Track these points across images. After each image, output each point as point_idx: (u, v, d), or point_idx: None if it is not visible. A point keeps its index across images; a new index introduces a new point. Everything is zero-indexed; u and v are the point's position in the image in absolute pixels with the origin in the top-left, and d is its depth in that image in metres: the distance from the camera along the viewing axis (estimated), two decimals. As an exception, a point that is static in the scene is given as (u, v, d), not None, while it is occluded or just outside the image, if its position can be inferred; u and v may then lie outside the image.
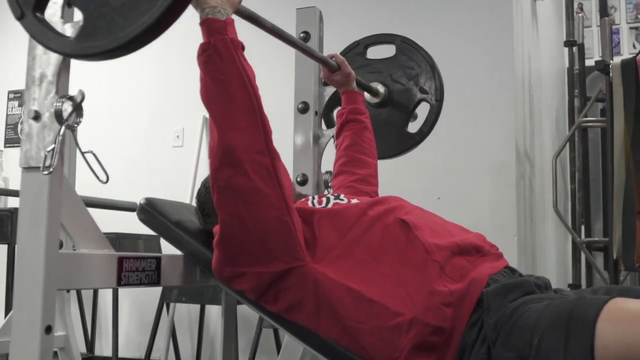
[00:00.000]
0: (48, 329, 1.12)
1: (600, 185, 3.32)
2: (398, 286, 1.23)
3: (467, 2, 3.26)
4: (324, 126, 2.07)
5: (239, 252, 1.29)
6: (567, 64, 3.57)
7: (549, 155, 3.40)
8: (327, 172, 1.95)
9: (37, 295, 1.11)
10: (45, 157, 1.12)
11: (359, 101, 1.91)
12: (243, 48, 1.26)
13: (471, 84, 3.15)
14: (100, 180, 1.17)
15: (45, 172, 1.11)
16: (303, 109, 1.98)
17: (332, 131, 1.95)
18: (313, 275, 1.26)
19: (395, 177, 2.80)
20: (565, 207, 3.56)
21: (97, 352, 3.79)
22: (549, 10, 3.73)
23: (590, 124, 3.23)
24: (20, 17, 1.01)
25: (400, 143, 2.11)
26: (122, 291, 3.57)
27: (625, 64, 2.74)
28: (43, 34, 1.01)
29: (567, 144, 3.32)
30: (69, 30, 1.07)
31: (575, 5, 3.70)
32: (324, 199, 1.48)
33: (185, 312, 3.64)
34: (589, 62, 3.37)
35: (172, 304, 3.37)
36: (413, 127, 2.13)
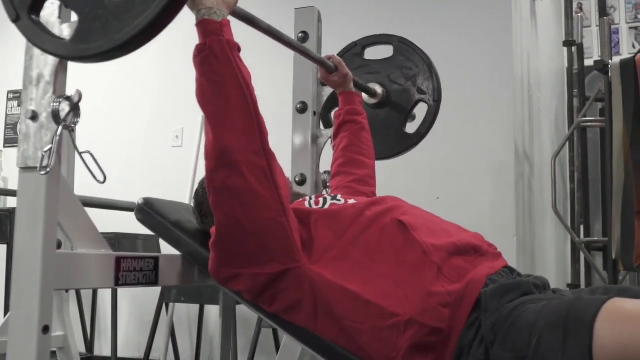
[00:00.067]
0: (45, 329, 1.12)
1: (599, 185, 3.32)
2: (395, 287, 1.23)
3: (467, 2, 3.26)
4: (322, 126, 2.07)
5: (235, 253, 1.29)
6: (566, 64, 3.57)
7: (548, 155, 3.40)
8: (325, 172, 1.95)
9: (34, 295, 1.11)
10: (43, 157, 1.12)
11: (356, 102, 1.91)
12: (239, 49, 1.26)
13: (470, 84, 3.16)
14: (98, 181, 1.17)
15: (43, 172, 1.11)
16: (301, 109, 1.98)
17: (331, 131, 1.95)
18: (310, 276, 1.26)
19: (395, 177, 2.80)
20: (565, 207, 3.57)
21: (97, 352, 3.80)
22: (548, 10, 3.73)
23: (589, 123, 3.23)
24: (15, 20, 1.01)
25: (398, 144, 2.11)
26: (121, 291, 3.57)
27: (624, 63, 2.74)
28: (38, 36, 1.01)
29: (567, 144, 3.33)
30: (65, 31, 1.07)
31: (575, 5, 3.70)
32: (321, 200, 1.48)
33: (184, 312, 3.64)
34: (589, 62, 3.37)
35: (171, 304, 3.38)
36: (411, 127, 2.13)
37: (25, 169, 1.15)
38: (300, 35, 2.00)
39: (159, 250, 3.23)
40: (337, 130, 1.89)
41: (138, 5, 0.89)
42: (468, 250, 1.30)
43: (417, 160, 2.53)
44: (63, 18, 1.11)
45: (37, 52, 1.15)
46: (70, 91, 1.16)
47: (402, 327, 1.19)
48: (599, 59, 2.91)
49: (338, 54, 2.09)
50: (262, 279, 1.28)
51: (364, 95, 2.08)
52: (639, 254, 2.65)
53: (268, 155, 1.25)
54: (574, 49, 3.45)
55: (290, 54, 1.92)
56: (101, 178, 1.17)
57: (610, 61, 2.81)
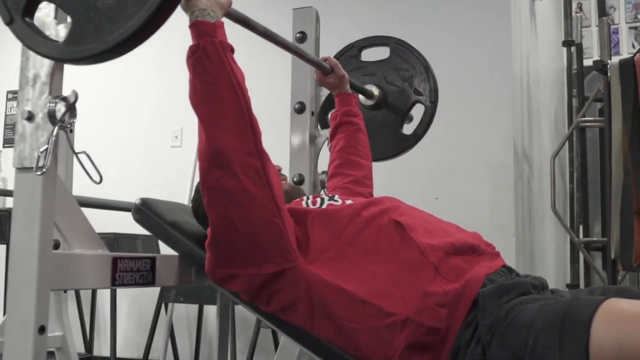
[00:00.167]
0: (41, 329, 1.12)
1: (598, 185, 3.31)
2: (392, 286, 1.22)
3: (466, 2, 3.26)
4: (319, 127, 2.07)
5: (231, 253, 1.29)
6: (565, 64, 3.57)
7: (548, 155, 3.40)
8: (323, 172, 1.95)
9: (30, 295, 1.11)
10: (39, 157, 1.12)
11: (352, 103, 1.91)
12: (232, 50, 1.26)
13: (470, 84, 3.16)
14: (94, 181, 1.17)
15: (38, 173, 1.11)
16: (299, 109, 1.98)
17: (328, 132, 1.95)
18: (306, 276, 1.26)
19: (394, 177, 2.81)
20: (564, 207, 3.56)
21: (96, 352, 3.80)
22: (548, 10, 3.73)
23: (588, 123, 3.22)
24: (9, 23, 1.01)
25: (395, 145, 2.11)
26: (120, 291, 3.58)
27: (623, 63, 2.74)
28: (32, 38, 1.01)
29: (566, 144, 3.32)
30: (62, 32, 1.07)
31: (574, 5, 3.70)
32: (319, 200, 1.48)
33: (183, 312, 3.64)
34: (588, 62, 3.37)
35: (170, 304, 3.38)
36: (408, 129, 2.13)
37: (21, 169, 1.16)
38: (298, 35, 2.00)
39: (158, 251, 3.23)
40: (334, 131, 1.89)
41: (130, 7, 0.90)
42: (466, 250, 1.30)
43: (416, 160, 2.53)
44: (59, 19, 1.11)
45: (33, 52, 1.15)
46: (67, 91, 1.16)
47: (399, 326, 1.19)
48: (599, 59, 2.90)
49: (335, 56, 2.09)
50: (258, 279, 1.28)
51: (360, 97, 2.08)
52: (638, 254, 2.65)
53: (262, 156, 1.25)
54: (573, 49, 3.45)
55: (288, 54, 1.92)
56: (97, 178, 1.17)
57: (609, 61, 2.81)
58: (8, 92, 4.38)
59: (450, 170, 3.17)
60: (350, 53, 2.18)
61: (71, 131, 1.18)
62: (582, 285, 3.18)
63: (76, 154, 1.19)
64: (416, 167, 3.06)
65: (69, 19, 1.01)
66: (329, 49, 2.05)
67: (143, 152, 3.93)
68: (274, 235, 1.26)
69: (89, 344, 3.74)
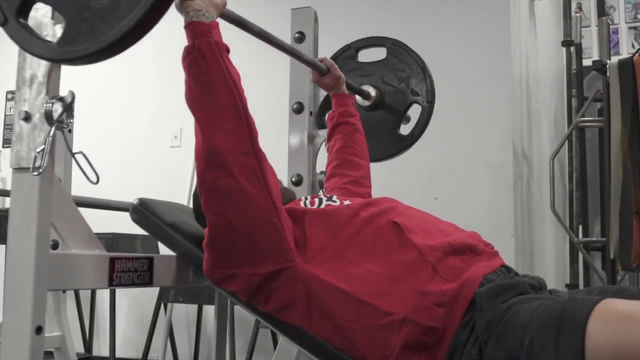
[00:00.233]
0: (38, 330, 1.12)
1: (598, 185, 3.31)
2: (389, 286, 1.23)
3: (465, 2, 3.26)
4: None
5: (228, 253, 1.29)
6: (565, 64, 3.57)
7: (547, 155, 3.40)
8: (321, 172, 1.95)
9: (27, 295, 1.11)
10: (36, 157, 1.12)
11: (349, 104, 1.91)
12: (228, 51, 1.26)
13: (469, 84, 3.16)
14: (91, 181, 1.17)
15: (35, 173, 1.11)
16: (298, 109, 1.98)
17: (326, 132, 1.95)
18: (303, 275, 1.26)
19: (394, 178, 2.81)
20: (563, 207, 3.56)
21: (95, 352, 3.80)
22: (547, 10, 3.73)
23: (587, 123, 3.22)
24: (3, 23, 1.01)
25: (392, 145, 2.11)
26: (120, 291, 3.58)
27: (622, 63, 2.74)
28: (26, 39, 1.01)
29: (565, 144, 3.32)
30: (58, 32, 1.07)
31: (574, 5, 3.70)
32: (317, 200, 1.48)
33: (182, 312, 3.64)
34: (587, 62, 3.37)
35: (169, 304, 3.38)
36: (406, 129, 2.13)
37: (18, 169, 1.15)
38: (296, 35, 2.00)
39: (157, 251, 3.23)
40: (331, 132, 1.89)
41: (123, 7, 0.90)
42: (464, 250, 1.30)
43: (416, 160, 2.53)
44: (56, 19, 1.11)
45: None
46: (64, 92, 1.17)
47: (396, 326, 1.19)
48: (598, 59, 2.90)
49: (331, 57, 2.09)
50: (256, 279, 1.28)
51: (358, 97, 2.08)
52: (637, 254, 2.65)
53: (258, 156, 1.25)
54: (572, 49, 3.45)
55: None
56: (94, 179, 1.17)
57: (608, 61, 2.81)
58: (8, 92, 4.38)
59: (449, 170, 3.17)
60: (347, 54, 2.18)
61: (70, 131, 1.17)
62: (581, 286, 3.18)
63: (73, 154, 1.19)
64: (415, 168, 3.06)
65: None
66: (327, 49, 2.05)
67: (143, 152, 3.93)
68: (272, 235, 1.26)
69: (88, 343, 3.74)
